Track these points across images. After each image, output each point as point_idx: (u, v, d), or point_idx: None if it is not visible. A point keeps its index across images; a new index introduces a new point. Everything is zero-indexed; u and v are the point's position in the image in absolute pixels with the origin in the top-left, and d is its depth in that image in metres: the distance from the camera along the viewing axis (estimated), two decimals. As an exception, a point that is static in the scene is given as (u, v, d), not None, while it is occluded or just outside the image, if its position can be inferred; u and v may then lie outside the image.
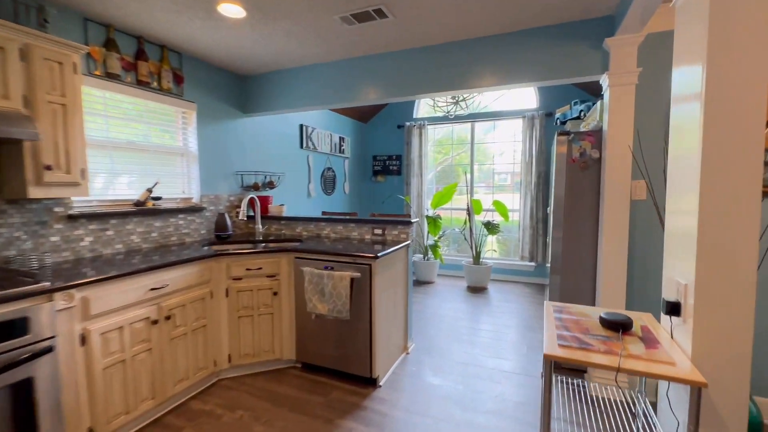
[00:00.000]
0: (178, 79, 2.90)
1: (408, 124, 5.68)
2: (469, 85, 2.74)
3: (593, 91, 4.55)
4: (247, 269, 2.57)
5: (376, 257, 2.37)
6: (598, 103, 2.79)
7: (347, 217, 3.37)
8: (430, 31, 2.61)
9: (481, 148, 5.69)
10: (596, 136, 2.56)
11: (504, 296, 4.60)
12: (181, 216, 2.95)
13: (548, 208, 4.97)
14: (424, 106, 5.93)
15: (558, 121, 4.50)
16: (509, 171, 5.78)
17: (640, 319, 1.58)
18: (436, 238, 5.02)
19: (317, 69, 3.25)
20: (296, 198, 4.42)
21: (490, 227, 4.76)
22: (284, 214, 3.57)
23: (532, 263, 5.11)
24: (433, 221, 4.92)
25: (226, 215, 3.07)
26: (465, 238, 5.09)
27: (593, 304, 2.61)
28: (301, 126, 4.44)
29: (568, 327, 1.48)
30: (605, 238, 2.38)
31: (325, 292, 2.46)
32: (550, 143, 5.02)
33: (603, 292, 2.40)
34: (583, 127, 2.73)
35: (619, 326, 1.42)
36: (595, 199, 2.57)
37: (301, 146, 4.46)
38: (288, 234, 3.43)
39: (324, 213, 3.92)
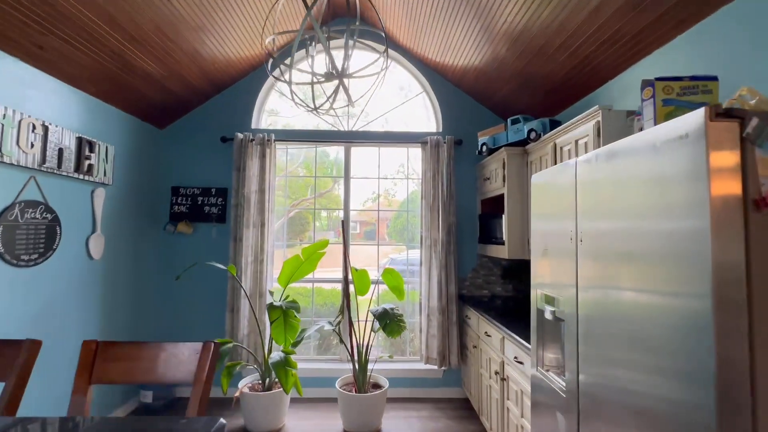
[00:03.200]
0: None
1: (241, 136, 3.30)
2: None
3: (516, 112, 3.22)
4: None
5: None
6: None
7: None
8: None
9: (358, 184, 3.74)
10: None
11: (415, 452, 2.48)
12: None
13: (464, 281, 3.27)
14: (273, 110, 3.69)
15: (485, 147, 2.93)
16: (393, 220, 3.98)
17: None
18: (288, 349, 2.60)
19: None
20: None
21: (392, 324, 2.68)
22: None
23: (442, 368, 3.23)
24: (283, 315, 2.54)
25: None
26: (341, 340, 2.85)
27: None
28: None
29: None
30: None
31: None
32: (463, 181, 3.45)
33: None
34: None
35: None
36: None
37: None
38: None
39: None
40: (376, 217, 3.76)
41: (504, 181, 2.74)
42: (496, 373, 2.34)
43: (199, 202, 3.36)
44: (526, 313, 2.66)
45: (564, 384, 1.42)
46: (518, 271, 3.41)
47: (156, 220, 3.33)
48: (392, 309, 2.78)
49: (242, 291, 3.11)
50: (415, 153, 3.61)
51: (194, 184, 3.39)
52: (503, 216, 2.81)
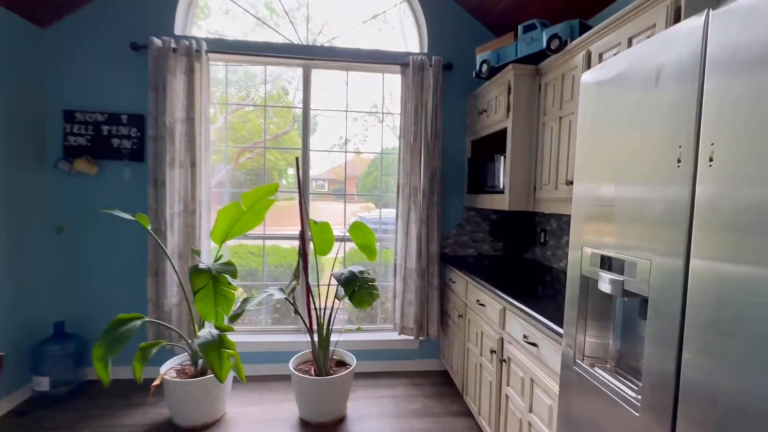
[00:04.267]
0: None
1: (159, 43, 2.42)
2: None
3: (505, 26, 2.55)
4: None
5: None
6: None
7: None
8: None
9: (321, 126, 3.02)
10: None
11: (388, 445, 2.02)
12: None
13: (447, 239, 2.73)
14: (217, 32, 2.78)
15: (485, 66, 2.26)
16: (367, 167, 3.35)
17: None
18: (223, 325, 1.97)
19: None
20: None
21: (362, 291, 2.08)
22: None
23: (420, 338, 2.75)
24: (212, 281, 1.87)
25: None
26: (296, 310, 2.26)
27: None
28: None
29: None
30: None
31: None
32: (451, 117, 2.81)
33: None
34: None
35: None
36: None
37: None
38: None
39: None
40: (344, 169, 3.07)
41: (508, 110, 2.12)
42: (493, 352, 1.85)
43: (105, 133, 2.51)
44: (528, 278, 2.16)
45: (634, 393, 0.90)
46: (511, 226, 2.90)
47: (41, 154, 2.46)
48: (361, 272, 2.19)
49: (168, 249, 2.40)
50: (394, 83, 2.89)
51: (97, 107, 2.51)
52: (502, 158, 2.23)
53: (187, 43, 2.44)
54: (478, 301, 2.09)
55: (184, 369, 2.21)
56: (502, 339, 1.81)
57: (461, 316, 2.38)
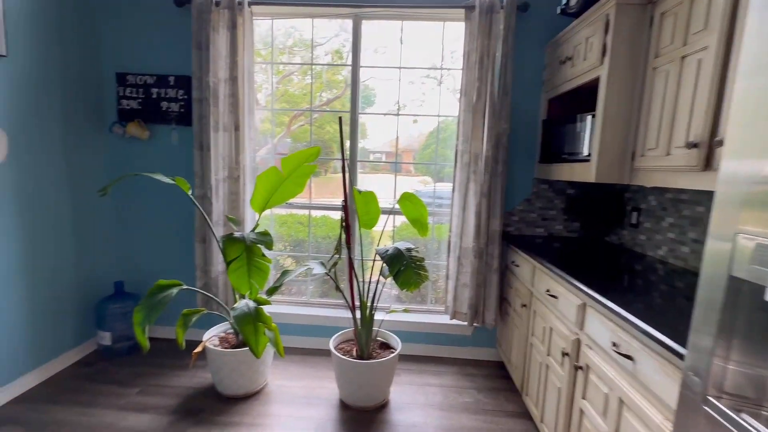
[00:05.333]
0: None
1: (201, -5, 2.27)
2: None
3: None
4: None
5: None
6: None
7: None
8: None
9: (369, 80, 2.72)
10: None
11: (433, 442, 1.81)
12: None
13: (512, 216, 2.35)
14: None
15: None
16: (421, 137, 3.02)
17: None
18: (260, 298, 1.86)
19: None
20: None
21: (408, 271, 1.83)
22: None
23: (474, 324, 2.46)
24: (246, 252, 1.74)
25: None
26: (337, 287, 2.08)
27: None
28: None
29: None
30: None
31: None
32: (523, 71, 2.37)
33: None
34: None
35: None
36: None
37: None
38: None
39: None
40: (403, 142, 2.76)
41: (603, 54, 1.65)
42: (565, 354, 1.52)
43: (154, 96, 2.47)
44: (615, 267, 1.75)
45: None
46: (592, 203, 2.43)
47: (98, 118, 2.49)
48: (409, 250, 1.93)
49: (213, 215, 2.34)
50: (455, 38, 2.48)
51: (145, 69, 2.47)
52: (590, 117, 1.78)
53: (230, -6, 2.25)
54: (548, 291, 1.74)
55: (227, 337, 2.18)
56: (578, 341, 1.46)
57: (525, 305, 2.04)
